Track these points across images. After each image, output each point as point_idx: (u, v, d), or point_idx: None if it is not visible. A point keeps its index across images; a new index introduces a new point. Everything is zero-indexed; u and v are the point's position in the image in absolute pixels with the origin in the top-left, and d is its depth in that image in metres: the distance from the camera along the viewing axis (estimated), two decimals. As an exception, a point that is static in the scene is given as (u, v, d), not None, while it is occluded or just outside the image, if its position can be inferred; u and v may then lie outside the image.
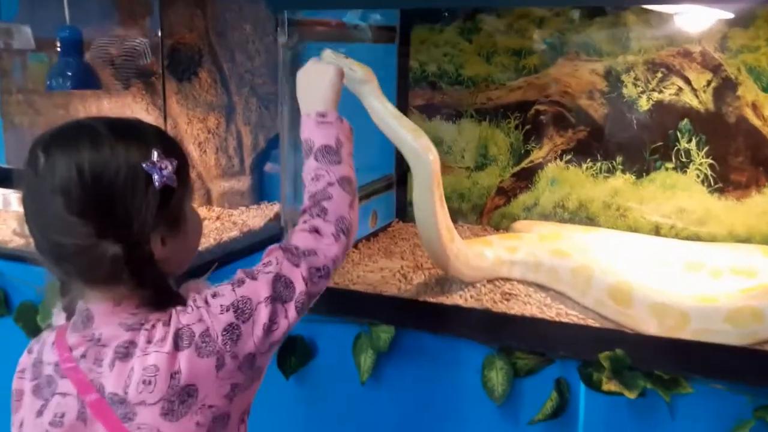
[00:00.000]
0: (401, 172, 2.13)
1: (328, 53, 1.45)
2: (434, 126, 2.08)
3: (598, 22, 1.87)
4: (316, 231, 1.09)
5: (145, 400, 0.92)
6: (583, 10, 1.87)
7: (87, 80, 2.09)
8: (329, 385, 1.66)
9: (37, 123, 2.37)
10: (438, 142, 2.06)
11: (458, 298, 1.57)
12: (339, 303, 1.60)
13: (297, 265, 1.03)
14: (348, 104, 1.54)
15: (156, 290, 0.98)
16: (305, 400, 1.68)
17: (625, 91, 1.87)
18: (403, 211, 2.17)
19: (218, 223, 2.16)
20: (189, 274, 1.09)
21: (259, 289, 1.00)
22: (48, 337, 1.03)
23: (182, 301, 1.00)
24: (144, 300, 0.98)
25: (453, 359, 1.53)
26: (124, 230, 0.93)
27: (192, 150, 2.25)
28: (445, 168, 2.08)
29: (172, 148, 1.01)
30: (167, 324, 0.96)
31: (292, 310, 1.02)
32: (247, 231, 2.07)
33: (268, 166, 2.28)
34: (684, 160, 1.84)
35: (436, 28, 2.04)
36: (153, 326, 0.95)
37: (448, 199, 2.09)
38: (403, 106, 2.09)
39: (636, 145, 1.88)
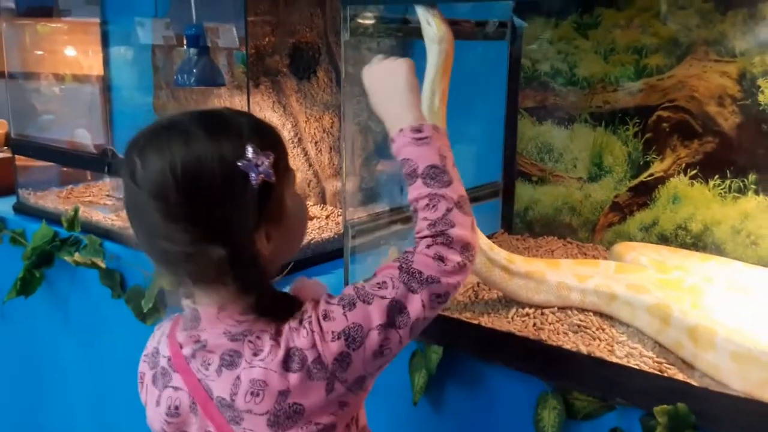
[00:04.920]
0: (509, 180, 1.98)
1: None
2: (545, 130, 1.90)
3: (732, 16, 1.59)
4: (440, 259, 0.99)
5: (252, 409, 0.93)
6: (715, 2, 1.60)
7: (211, 77, 2.17)
8: (384, 399, 1.58)
9: (180, 117, 2.52)
10: (548, 149, 1.90)
11: (519, 324, 1.42)
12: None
13: (415, 291, 0.97)
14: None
15: (260, 295, 0.98)
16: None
17: (761, 97, 1.58)
18: (509, 222, 2.01)
19: (325, 222, 2.15)
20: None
21: (372, 314, 0.95)
22: (166, 326, 1.07)
23: (289, 304, 0.99)
24: (248, 306, 0.98)
25: (506, 391, 1.39)
26: (226, 233, 0.93)
27: (309, 149, 2.26)
28: (555, 177, 1.90)
29: (268, 139, 0.98)
30: (275, 338, 0.95)
31: (406, 334, 0.97)
32: (338, 233, 2.04)
33: (380, 166, 2.23)
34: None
35: (550, 23, 1.86)
36: (258, 337, 0.96)
37: (557, 211, 1.92)
38: (512, 108, 1.94)
39: (773, 161, 1.58)
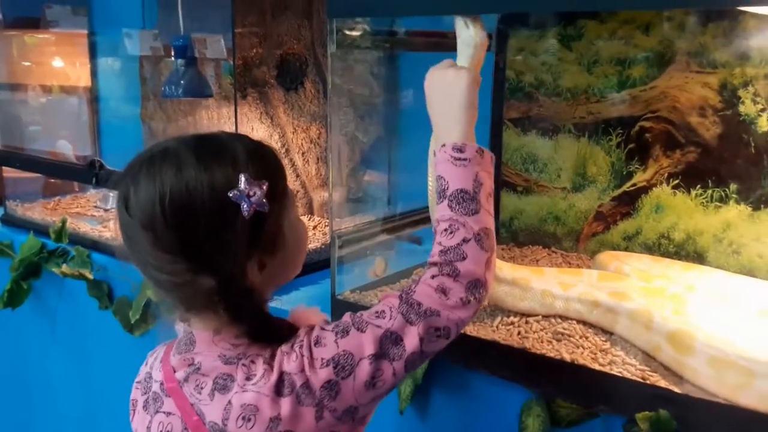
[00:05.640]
0: (496, 192, 1.99)
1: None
2: (529, 141, 1.92)
3: (713, 28, 1.61)
4: (443, 291, 0.97)
5: None
6: (696, 15, 1.63)
7: (198, 88, 2.18)
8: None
9: (168, 129, 2.52)
10: (533, 159, 1.92)
11: (504, 332, 1.43)
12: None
13: (413, 323, 0.95)
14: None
15: (253, 323, 0.97)
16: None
17: (741, 108, 1.60)
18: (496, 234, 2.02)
19: (312, 232, 2.16)
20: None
21: (363, 343, 0.94)
22: (160, 351, 1.07)
23: (286, 330, 0.99)
24: (241, 331, 0.97)
25: (491, 399, 1.40)
26: (215, 264, 0.92)
27: (297, 159, 2.27)
28: (540, 187, 1.92)
29: (265, 166, 0.98)
30: (268, 362, 0.94)
31: (400, 368, 0.95)
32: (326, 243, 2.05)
33: (367, 176, 2.25)
34: (813, 191, 1.54)
35: (534, 35, 1.88)
36: (252, 361, 0.95)
37: (542, 221, 1.94)
38: (497, 119, 1.96)
39: (753, 171, 1.60)
